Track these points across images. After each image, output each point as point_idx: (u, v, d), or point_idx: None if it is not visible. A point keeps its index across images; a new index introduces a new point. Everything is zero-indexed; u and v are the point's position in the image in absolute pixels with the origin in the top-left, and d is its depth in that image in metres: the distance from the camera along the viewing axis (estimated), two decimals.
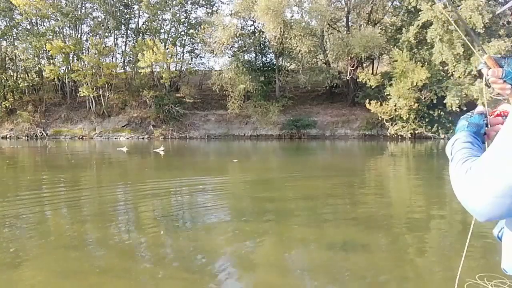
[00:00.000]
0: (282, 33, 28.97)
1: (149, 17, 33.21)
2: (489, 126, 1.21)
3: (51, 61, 32.89)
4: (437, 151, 20.32)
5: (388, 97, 26.46)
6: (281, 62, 32.03)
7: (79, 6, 33.26)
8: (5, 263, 4.53)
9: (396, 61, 26.17)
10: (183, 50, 34.87)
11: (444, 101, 24.81)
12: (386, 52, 29.39)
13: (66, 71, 32.75)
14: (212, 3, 34.44)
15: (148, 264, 4.56)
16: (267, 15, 27.19)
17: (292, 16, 30.25)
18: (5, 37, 34.45)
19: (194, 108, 31.55)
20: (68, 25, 33.19)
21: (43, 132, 32.08)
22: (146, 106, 31.60)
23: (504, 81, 1.11)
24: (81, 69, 31.57)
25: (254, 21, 31.23)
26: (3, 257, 4.71)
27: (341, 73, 29.89)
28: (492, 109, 1.24)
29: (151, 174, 12.47)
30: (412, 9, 26.56)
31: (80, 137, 31.45)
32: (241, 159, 17.16)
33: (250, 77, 29.35)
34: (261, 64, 32.77)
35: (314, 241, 5.42)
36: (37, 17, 32.86)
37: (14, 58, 34.79)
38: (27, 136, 31.55)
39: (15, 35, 34.35)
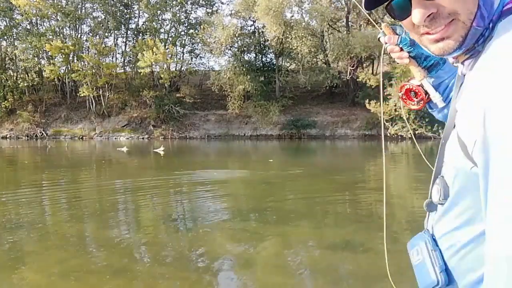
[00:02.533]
0: (282, 33, 28.95)
1: (149, 17, 33.20)
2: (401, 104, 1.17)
3: (51, 61, 32.86)
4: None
5: (388, 97, 26.44)
6: (281, 62, 32.01)
7: (79, 6, 33.26)
8: (5, 263, 4.53)
9: None
10: (183, 50, 34.88)
11: None
12: (386, 52, 29.39)
13: (66, 71, 32.75)
14: (212, 3, 34.43)
15: (148, 264, 4.55)
16: (267, 15, 27.18)
17: (292, 16, 30.26)
18: (5, 37, 34.45)
19: (194, 108, 31.54)
20: (68, 25, 33.19)
21: (43, 132, 32.07)
22: (146, 106, 31.59)
23: (401, 49, 1.08)
24: (81, 69, 31.58)
25: (254, 21, 31.23)
26: (2, 257, 4.71)
27: (341, 73, 29.89)
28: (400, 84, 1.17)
29: (151, 174, 12.46)
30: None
31: (80, 137, 31.44)
32: (261, 158, 17.14)
33: (249, 77, 29.33)
34: (261, 64, 32.75)
35: (314, 241, 5.42)
36: (37, 17, 32.85)
37: (14, 58, 34.78)
38: (27, 136, 31.54)
39: (15, 35, 34.34)
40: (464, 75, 0.82)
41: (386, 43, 1.09)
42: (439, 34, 0.75)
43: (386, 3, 0.81)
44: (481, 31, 0.74)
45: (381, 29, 1.11)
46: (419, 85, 1.10)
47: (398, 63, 1.10)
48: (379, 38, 1.12)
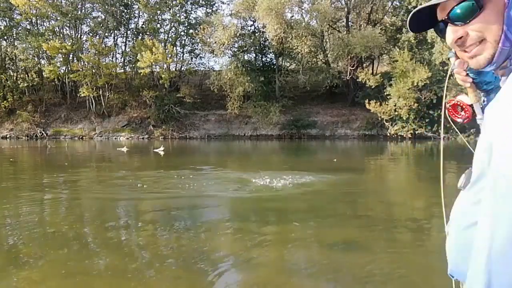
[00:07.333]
0: (283, 33, 28.93)
1: (148, 17, 33.17)
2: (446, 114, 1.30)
3: (51, 61, 32.85)
4: (437, 151, 20.30)
5: (388, 97, 26.47)
6: (281, 62, 32.01)
7: (79, 6, 33.24)
8: (5, 264, 4.53)
9: (397, 61, 26.17)
10: (183, 50, 34.85)
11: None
12: (386, 52, 29.38)
13: (66, 71, 32.73)
14: (212, 3, 34.41)
15: (148, 264, 4.55)
16: (269, 16, 27.15)
17: (292, 16, 30.26)
18: (5, 37, 34.44)
19: (194, 108, 31.53)
20: (68, 25, 33.18)
21: (43, 132, 32.07)
22: (146, 106, 31.59)
23: (467, 74, 1.16)
24: (81, 69, 31.56)
25: (254, 21, 31.21)
26: (2, 258, 4.71)
27: (341, 73, 29.88)
28: (450, 98, 1.30)
29: (151, 173, 12.45)
30: (412, 9, 26.51)
31: (80, 137, 31.45)
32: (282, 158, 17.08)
33: (250, 77, 29.31)
34: (261, 64, 32.74)
35: (314, 241, 5.42)
36: (37, 17, 32.84)
37: (14, 58, 34.77)
38: (27, 136, 31.54)
39: (15, 35, 34.33)
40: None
41: (454, 65, 1.18)
42: (471, 52, 0.95)
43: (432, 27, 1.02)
44: (507, 50, 0.90)
45: (452, 50, 1.19)
46: (469, 105, 1.23)
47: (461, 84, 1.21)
48: (449, 58, 1.20)
